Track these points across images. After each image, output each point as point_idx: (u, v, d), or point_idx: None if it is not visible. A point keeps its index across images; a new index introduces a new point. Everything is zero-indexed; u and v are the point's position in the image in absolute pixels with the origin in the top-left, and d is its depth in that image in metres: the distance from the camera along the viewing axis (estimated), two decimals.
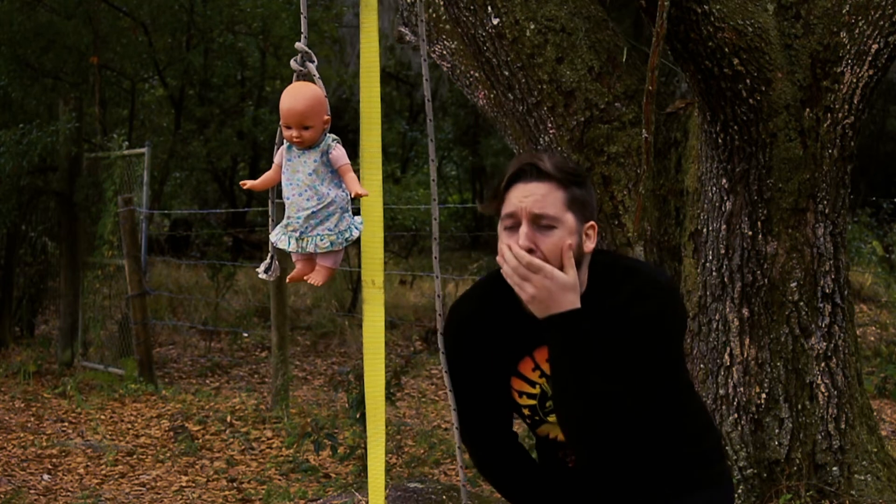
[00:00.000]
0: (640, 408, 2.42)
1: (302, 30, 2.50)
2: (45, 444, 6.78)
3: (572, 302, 2.39)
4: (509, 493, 2.68)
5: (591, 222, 2.48)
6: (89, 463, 6.45)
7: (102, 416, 7.56)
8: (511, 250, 2.39)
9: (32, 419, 7.48)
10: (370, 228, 2.45)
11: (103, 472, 6.29)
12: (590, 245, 2.47)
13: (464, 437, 2.63)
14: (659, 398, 2.48)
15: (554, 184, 2.43)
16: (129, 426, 7.33)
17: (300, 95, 2.37)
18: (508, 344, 2.50)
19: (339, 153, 2.38)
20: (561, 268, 2.41)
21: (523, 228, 2.42)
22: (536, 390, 2.53)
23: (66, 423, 7.38)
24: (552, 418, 2.53)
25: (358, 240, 2.44)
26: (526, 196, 2.42)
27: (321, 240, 2.38)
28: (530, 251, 2.40)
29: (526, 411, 2.57)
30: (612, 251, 2.69)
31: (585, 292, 2.47)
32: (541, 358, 2.50)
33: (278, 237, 2.42)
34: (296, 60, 2.44)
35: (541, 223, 2.41)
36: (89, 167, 9.83)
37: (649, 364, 2.43)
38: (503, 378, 2.56)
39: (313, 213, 2.36)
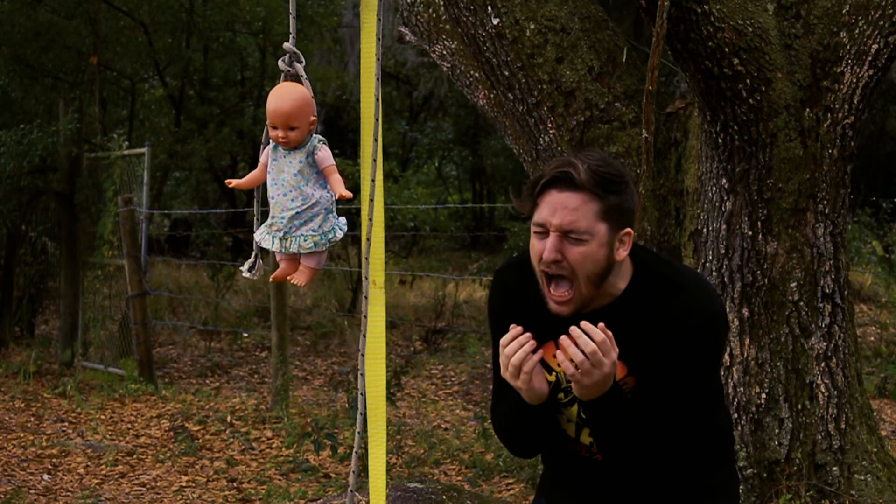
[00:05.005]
0: (676, 425, 2.43)
1: (290, 30, 2.50)
2: (45, 444, 6.78)
3: (609, 385, 2.36)
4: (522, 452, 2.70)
5: (627, 229, 2.41)
6: (89, 463, 6.45)
7: (102, 416, 7.56)
8: (571, 347, 2.31)
9: (32, 419, 7.48)
10: (371, 228, 2.44)
11: (103, 472, 6.29)
12: (622, 253, 2.41)
13: (493, 403, 2.62)
14: (695, 408, 2.48)
15: (588, 195, 2.34)
16: (129, 426, 7.33)
17: (287, 96, 2.37)
18: (536, 324, 2.46)
19: (324, 154, 2.38)
20: (590, 292, 2.38)
21: (551, 240, 2.36)
22: (552, 377, 2.50)
23: (66, 423, 7.38)
24: (565, 413, 2.52)
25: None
26: (557, 209, 2.35)
27: (305, 240, 2.38)
28: (556, 262, 2.36)
29: None
30: (653, 252, 2.61)
31: (627, 295, 2.44)
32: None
33: (262, 236, 2.43)
34: (283, 61, 2.44)
35: (570, 237, 2.35)
36: (89, 167, 9.83)
37: (692, 378, 2.43)
38: None
39: (298, 213, 2.36)
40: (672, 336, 2.39)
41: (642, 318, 2.41)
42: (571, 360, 2.32)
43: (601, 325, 2.31)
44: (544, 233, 2.38)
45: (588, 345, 2.30)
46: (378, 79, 2.45)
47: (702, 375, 2.46)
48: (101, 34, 11.36)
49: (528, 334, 2.38)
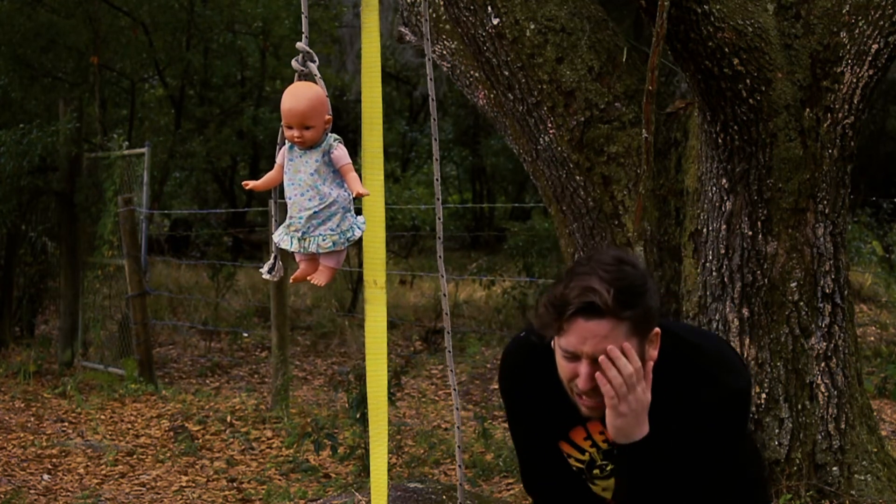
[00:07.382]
0: (705, 491, 2.42)
1: (303, 29, 2.49)
2: (45, 444, 6.78)
3: (645, 427, 2.34)
4: None
5: (656, 330, 2.37)
6: (89, 463, 6.45)
7: (102, 416, 7.55)
8: (612, 370, 2.29)
9: (32, 419, 7.48)
10: (371, 228, 2.44)
11: (103, 472, 6.29)
12: (654, 353, 2.38)
13: (524, 479, 2.59)
14: (728, 475, 2.48)
15: (615, 319, 2.28)
16: (129, 426, 7.33)
17: (301, 95, 2.36)
18: (562, 409, 2.44)
19: (340, 153, 2.37)
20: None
21: (585, 369, 2.32)
22: (585, 457, 2.50)
23: (66, 423, 7.38)
24: (599, 484, 2.51)
25: (359, 240, 2.44)
26: (587, 338, 2.30)
27: (323, 240, 2.37)
28: (593, 390, 2.33)
29: None
30: (671, 330, 2.50)
31: (654, 384, 2.40)
32: (594, 429, 2.47)
33: (281, 237, 2.42)
34: (297, 60, 2.44)
35: None
36: (89, 167, 9.83)
37: (724, 451, 2.43)
38: (552, 438, 2.52)
39: (315, 213, 2.35)
40: (702, 418, 2.38)
41: (670, 403, 2.39)
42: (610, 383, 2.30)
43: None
44: (575, 358, 2.34)
45: (626, 367, 2.28)
46: (431, 78, 2.45)
47: (732, 446, 2.45)
48: (101, 34, 11.35)
49: None
